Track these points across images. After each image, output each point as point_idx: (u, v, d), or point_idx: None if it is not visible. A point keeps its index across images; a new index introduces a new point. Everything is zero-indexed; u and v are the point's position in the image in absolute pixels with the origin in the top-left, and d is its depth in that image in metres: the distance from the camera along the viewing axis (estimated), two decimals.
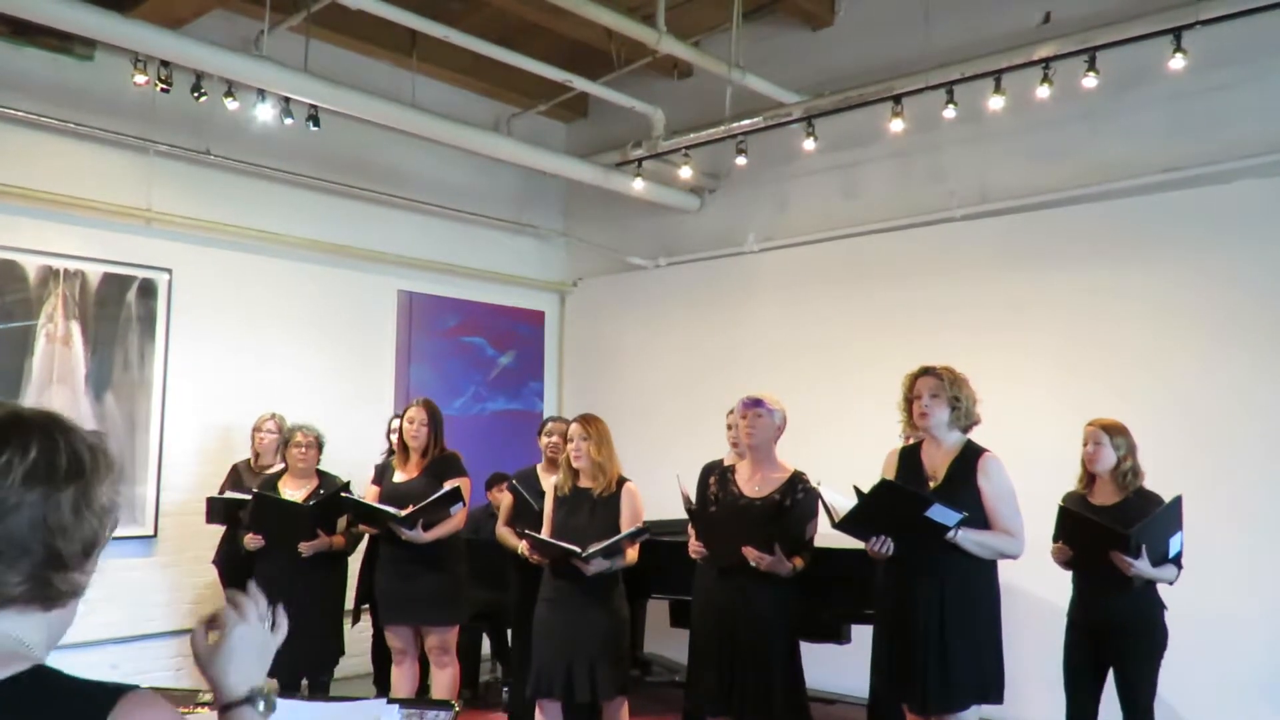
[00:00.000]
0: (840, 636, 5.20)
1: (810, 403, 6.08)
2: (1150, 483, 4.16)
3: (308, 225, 6.90)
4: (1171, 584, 4.03)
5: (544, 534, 4.50)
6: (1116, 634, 4.03)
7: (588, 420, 4.51)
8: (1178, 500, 3.99)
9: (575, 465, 4.47)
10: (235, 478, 5.82)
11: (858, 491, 3.73)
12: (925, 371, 3.85)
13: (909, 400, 3.87)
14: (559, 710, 4.39)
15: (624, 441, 4.70)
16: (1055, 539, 4.12)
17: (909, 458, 3.93)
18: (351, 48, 6.92)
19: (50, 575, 1.12)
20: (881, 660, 3.90)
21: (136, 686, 1.12)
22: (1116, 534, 3.87)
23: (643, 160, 7.14)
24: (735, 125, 6.54)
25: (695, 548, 4.23)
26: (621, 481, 4.46)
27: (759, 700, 3.99)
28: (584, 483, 4.48)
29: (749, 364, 6.96)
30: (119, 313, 6.06)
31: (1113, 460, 4.14)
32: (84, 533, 1.15)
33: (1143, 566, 3.87)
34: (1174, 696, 4.85)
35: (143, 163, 6.16)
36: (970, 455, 3.78)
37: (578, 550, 4.20)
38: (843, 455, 5.16)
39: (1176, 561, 4.00)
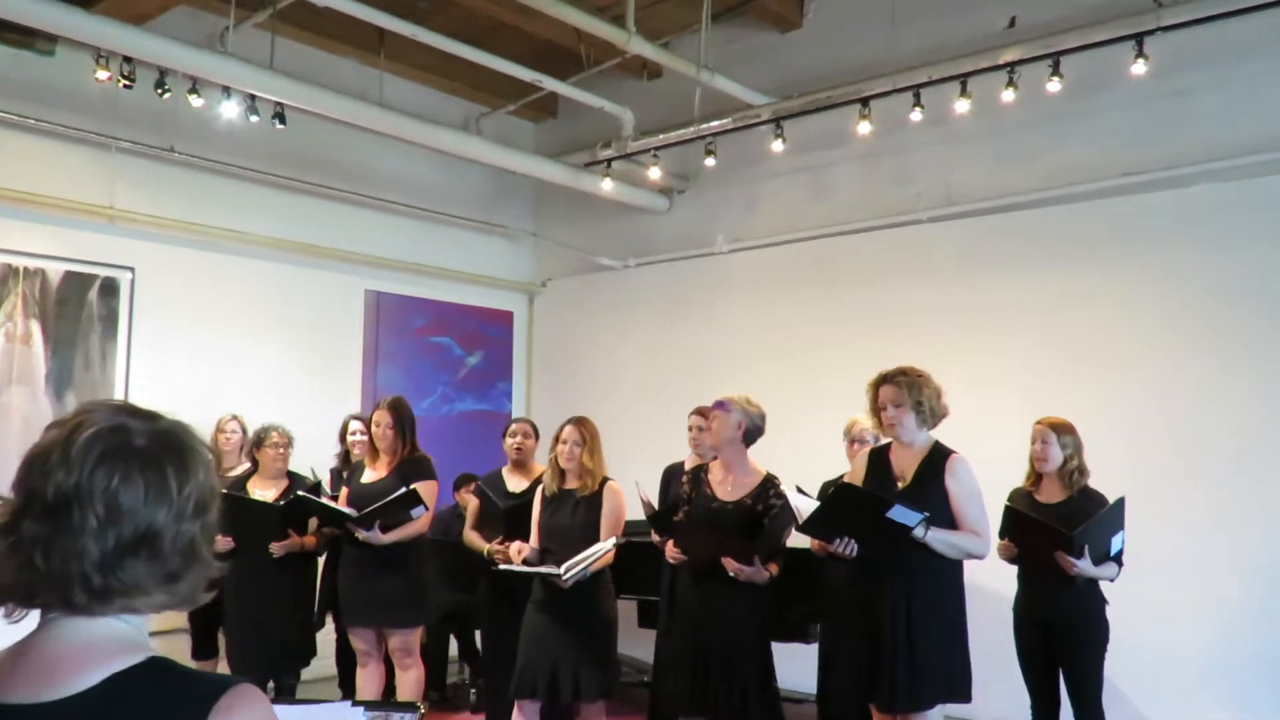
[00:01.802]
0: (808, 636, 5.24)
1: (778, 403, 6.07)
2: (1114, 481, 4.24)
3: (273, 224, 6.83)
4: (1112, 581, 4.13)
5: (533, 534, 4.53)
6: (1061, 629, 4.13)
7: (582, 423, 4.53)
8: (1120, 501, 4.09)
9: (564, 466, 4.48)
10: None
11: (800, 491, 3.77)
12: (884, 380, 3.87)
13: (876, 410, 3.91)
14: (537, 711, 4.38)
15: None
16: (1001, 536, 4.19)
17: (878, 459, 3.96)
18: (318, 45, 6.86)
19: (196, 592, 1.17)
20: (844, 659, 3.93)
21: (242, 680, 1.15)
22: (1060, 534, 3.94)
23: (612, 161, 7.14)
24: (704, 126, 6.56)
25: (673, 553, 4.23)
26: (604, 481, 4.48)
27: (732, 702, 4.01)
28: (569, 484, 4.49)
29: (718, 365, 6.98)
30: (80, 312, 5.97)
31: (1059, 459, 4.22)
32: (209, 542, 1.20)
33: (1084, 566, 3.96)
34: (1130, 687, 4.93)
35: (105, 160, 6.08)
36: (938, 457, 3.82)
37: (557, 573, 4.20)
38: (811, 455, 5.21)
39: (1117, 559, 4.11)
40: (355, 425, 5.79)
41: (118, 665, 1.09)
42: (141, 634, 1.14)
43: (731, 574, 3.99)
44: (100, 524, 1.08)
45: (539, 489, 4.63)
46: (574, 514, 4.43)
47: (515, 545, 4.58)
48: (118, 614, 1.11)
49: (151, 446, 1.13)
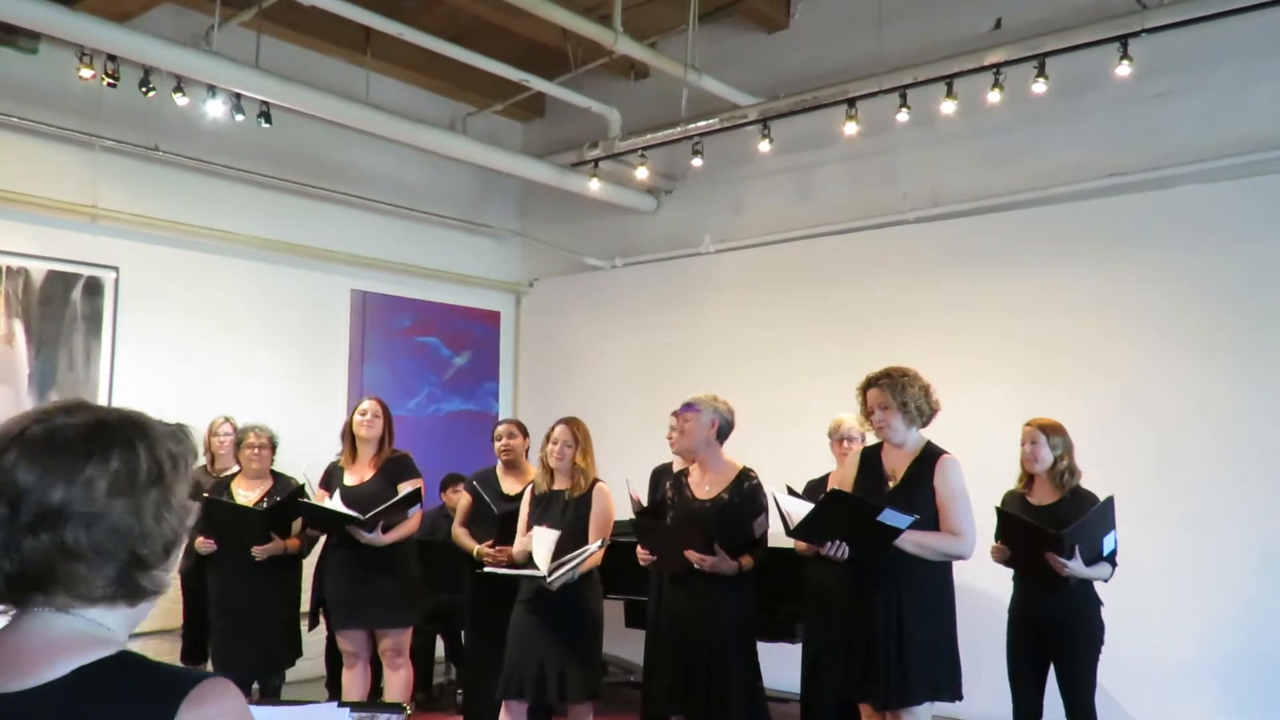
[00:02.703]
0: (794, 635, 5.24)
1: (765, 403, 6.12)
2: (1098, 480, 4.25)
3: (259, 223, 6.80)
4: (1106, 581, 4.14)
5: (519, 534, 4.52)
6: (1055, 631, 4.13)
7: (573, 424, 4.53)
8: (1109, 500, 4.10)
9: (554, 465, 4.47)
10: (195, 484, 5.69)
11: (790, 491, 3.77)
12: (870, 383, 3.89)
13: (867, 414, 3.93)
14: (525, 711, 4.38)
15: None
16: (996, 539, 4.20)
17: (870, 459, 3.97)
18: (304, 44, 6.83)
19: (135, 576, 1.15)
20: (830, 658, 3.93)
21: (213, 674, 1.16)
22: (1049, 535, 3.95)
23: (599, 161, 7.13)
24: (691, 127, 6.56)
25: (643, 556, 4.24)
26: (594, 482, 4.48)
27: (717, 701, 4.01)
28: (559, 484, 4.49)
29: (704, 365, 6.98)
30: (64, 311, 5.93)
31: (1050, 460, 4.23)
32: (165, 533, 1.18)
33: (1076, 566, 3.97)
34: (1116, 687, 4.95)
35: (88, 158, 6.04)
36: (929, 457, 3.83)
37: (542, 574, 4.20)
38: (797, 456, 5.21)
39: (1111, 559, 4.11)
40: None
41: (86, 658, 1.10)
42: (111, 631, 1.15)
43: (696, 565, 4.00)
44: (9, 510, 1.10)
45: (529, 488, 4.63)
46: (563, 515, 4.42)
47: (509, 551, 4.59)
48: (67, 609, 1.12)
49: (65, 432, 1.13)
